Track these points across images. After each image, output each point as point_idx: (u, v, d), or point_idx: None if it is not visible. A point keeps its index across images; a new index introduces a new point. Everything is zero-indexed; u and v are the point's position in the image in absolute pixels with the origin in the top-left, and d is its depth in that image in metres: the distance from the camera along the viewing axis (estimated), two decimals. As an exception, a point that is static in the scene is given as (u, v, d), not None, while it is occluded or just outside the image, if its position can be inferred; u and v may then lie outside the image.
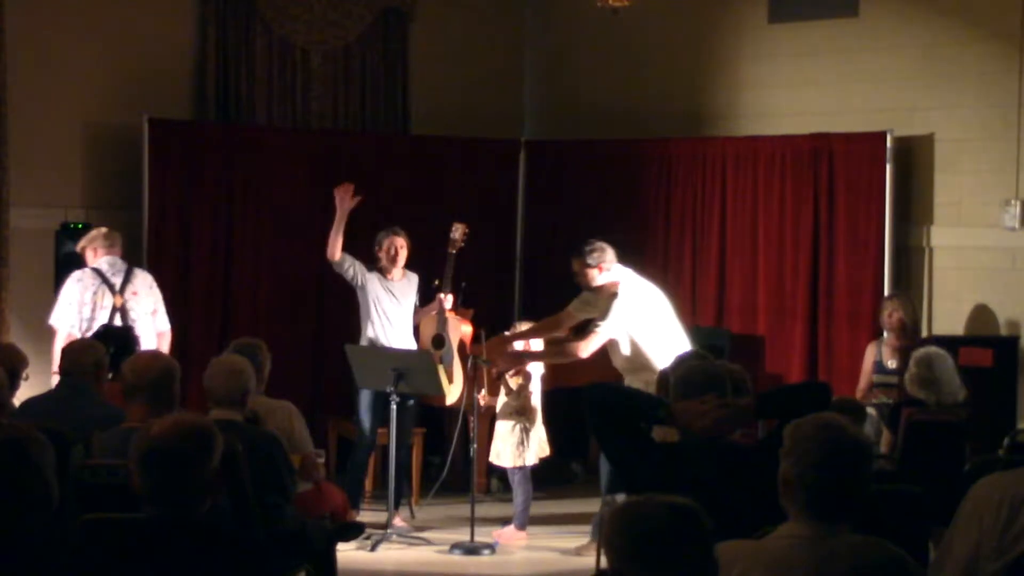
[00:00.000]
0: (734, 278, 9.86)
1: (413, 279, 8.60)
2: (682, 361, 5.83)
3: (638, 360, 7.71)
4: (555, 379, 8.47)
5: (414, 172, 10.27)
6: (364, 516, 8.14)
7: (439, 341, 8.70)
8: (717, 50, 10.34)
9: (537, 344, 8.23)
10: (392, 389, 7.86)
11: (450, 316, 8.71)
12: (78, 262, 8.65)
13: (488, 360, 8.01)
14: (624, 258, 9.95)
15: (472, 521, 7.86)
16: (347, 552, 7.18)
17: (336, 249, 8.38)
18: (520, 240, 10.80)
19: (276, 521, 5.35)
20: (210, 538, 3.53)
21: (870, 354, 8.83)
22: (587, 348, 7.72)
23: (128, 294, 8.26)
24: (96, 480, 4.78)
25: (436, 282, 8.59)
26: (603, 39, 10.49)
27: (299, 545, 5.63)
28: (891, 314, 8.76)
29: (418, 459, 9.09)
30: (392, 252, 8.46)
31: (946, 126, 9.23)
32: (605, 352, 7.82)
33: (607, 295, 7.77)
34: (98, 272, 8.23)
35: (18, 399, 6.09)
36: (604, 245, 7.83)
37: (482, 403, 8.31)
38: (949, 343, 7.88)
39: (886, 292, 9.09)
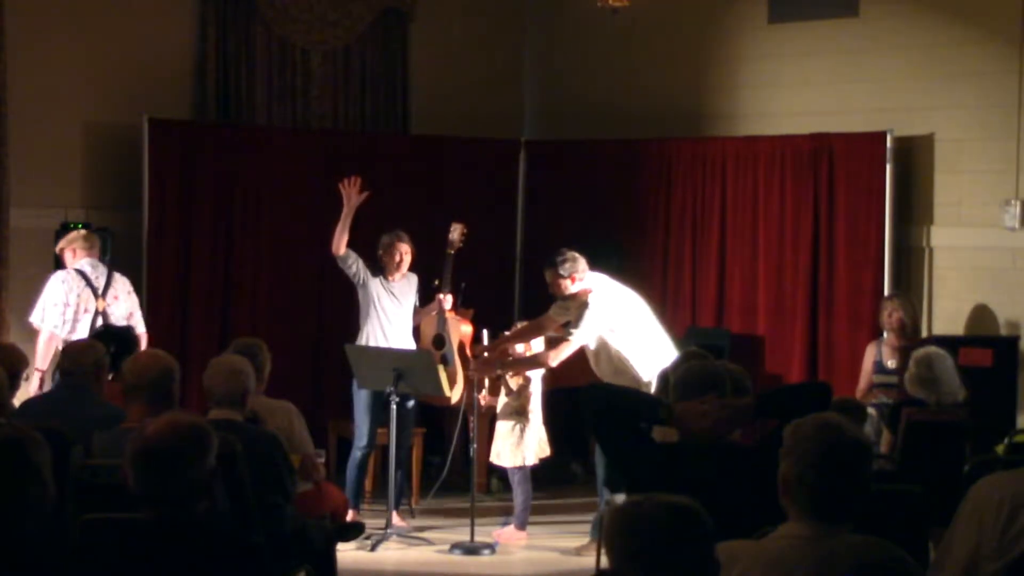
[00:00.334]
0: (734, 278, 9.86)
1: (413, 280, 8.60)
2: (682, 361, 5.84)
3: (618, 366, 7.77)
4: (555, 379, 8.48)
5: (414, 172, 10.27)
6: (364, 516, 8.15)
7: (440, 341, 8.70)
8: (717, 50, 10.34)
9: (538, 345, 8.25)
10: (392, 389, 7.86)
11: (450, 316, 8.71)
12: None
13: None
14: (624, 258, 10.01)
15: (472, 521, 7.86)
16: (347, 552, 7.18)
17: (341, 244, 8.38)
18: (520, 240, 10.81)
19: (276, 521, 5.35)
20: (207, 539, 3.52)
21: (870, 354, 8.83)
22: (557, 357, 7.85)
23: (110, 298, 8.30)
24: (96, 480, 4.78)
25: (436, 282, 8.58)
26: (603, 39, 10.49)
27: (299, 545, 5.63)
28: (891, 314, 8.77)
29: (418, 459, 9.09)
30: (397, 259, 8.46)
31: (946, 126, 9.23)
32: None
33: (579, 303, 7.83)
34: (82, 274, 8.25)
35: (18, 399, 6.09)
36: (576, 255, 7.90)
37: (483, 403, 8.31)
38: (949, 343, 7.88)
39: (886, 292, 9.09)
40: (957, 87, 9.19)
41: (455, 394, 8.60)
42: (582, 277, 7.91)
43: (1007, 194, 8.94)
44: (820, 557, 3.31)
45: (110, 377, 6.18)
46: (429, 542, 8.02)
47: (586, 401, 4.57)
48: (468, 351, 8.72)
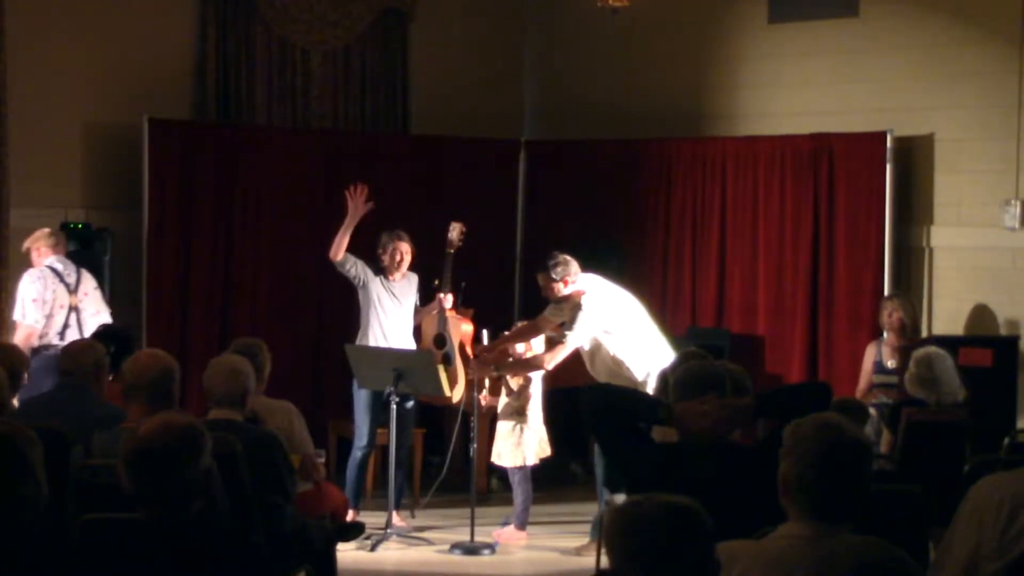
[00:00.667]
0: (734, 278, 9.86)
1: (413, 279, 8.60)
2: (681, 361, 5.85)
3: (613, 367, 7.78)
4: (556, 379, 8.48)
5: (414, 172, 10.27)
6: (364, 516, 8.15)
7: (441, 340, 8.70)
8: (717, 50, 10.34)
9: (539, 344, 8.25)
10: (392, 389, 7.86)
11: (450, 315, 8.71)
12: (78, 261, 8.67)
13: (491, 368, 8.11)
14: (624, 258, 10.01)
15: (472, 521, 7.86)
16: (347, 552, 7.18)
17: (340, 250, 8.38)
18: (520, 240, 10.81)
19: (276, 521, 5.35)
20: (202, 539, 3.51)
21: (870, 354, 8.83)
22: (552, 360, 7.88)
23: (81, 294, 8.33)
24: (96, 480, 4.78)
25: (436, 282, 8.58)
26: (603, 39, 10.48)
27: (299, 545, 5.63)
28: (891, 313, 8.77)
29: (418, 459, 9.09)
30: (397, 258, 8.46)
31: (946, 126, 9.23)
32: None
33: (572, 305, 7.84)
34: (54, 271, 8.28)
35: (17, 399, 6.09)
36: (567, 258, 7.91)
37: (483, 403, 8.31)
38: (949, 343, 7.88)
39: (886, 292, 9.09)
40: (957, 87, 9.19)
41: (456, 394, 8.60)
42: (574, 280, 7.92)
43: (1007, 194, 8.94)
44: (820, 557, 3.31)
45: (110, 377, 6.18)
46: (429, 542, 8.02)
47: (585, 401, 4.57)
48: (469, 350, 8.72)
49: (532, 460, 8.14)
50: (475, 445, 8.15)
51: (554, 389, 8.58)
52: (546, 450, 8.23)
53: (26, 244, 8.47)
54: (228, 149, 9.66)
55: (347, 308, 8.91)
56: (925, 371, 7.16)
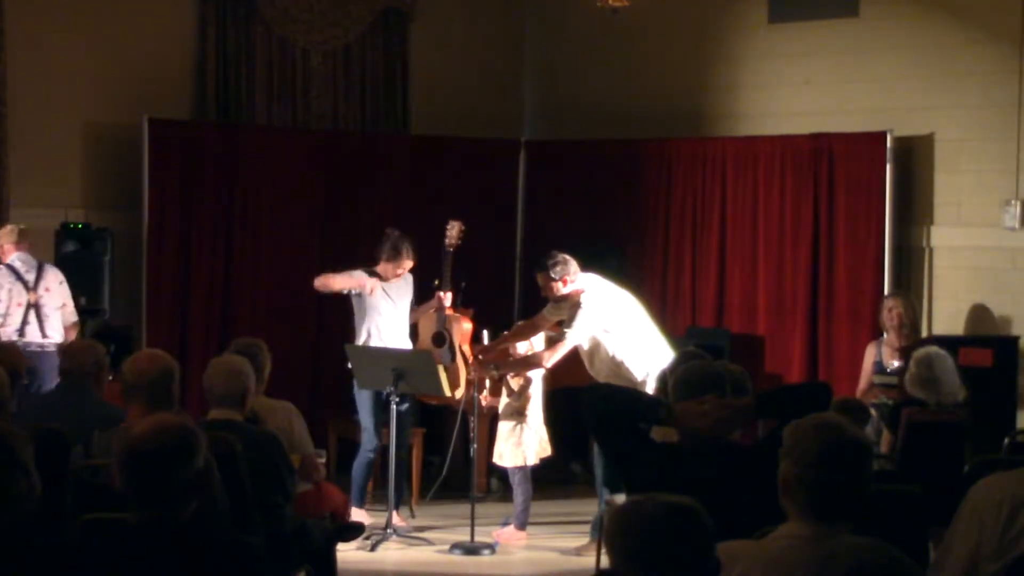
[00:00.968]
0: (734, 278, 9.86)
1: (408, 279, 8.59)
2: (680, 361, 5.84)
3: (612, 367, 7.77)
4: (556, 379, 8.48)
5: (414, 172, 10.27)
6: (363, 516, 8.15)
7: (440, 339, 8.70)
8: (717, 50, 10.34)
9: (540, 345, 8.25)
10: (392, 389, 7.86)
11: (449, 314, 8.71)
12: (78, 261, 8.67)
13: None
14: (624, 258, 10.01)
15: (472, 521, 7.85)
16: (347, 552, 7.17)
17: (331, 289, 8.39)
18: (520, 240, 10.81)
19: (276, 521, 5.35)
20: (196, 540, 3.50)
21: (870, 354, 8.83)
22: (552, 358, 7.87)
23: (41, 290, 8.35)
24: (96, 480, 4.78)
25: (436, 282, 8.58)
26: (603, 39, 10.49)
27: (299, 545, 5.64)
28: (891, 310, 8.78)
29: (418, 459, 9.09)
30: (399, 271, 8.45)
31: (946, 126, 9.23)
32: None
33: (571, 304, 7.84)
34: (12, 269, 8.30)
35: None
36: (566, 257, 7.90)
37: (484, 404, 8.31)
38: (949, 343, 7.88)
39: (886, 292, 9.09)
40: (957, 87, 9.19)
41: (457, 393, 8.60)
42: (573, 279, 7.91)
43: (1007, 194, 8.94)
44: (819, 557, 3.31)
45: (110, 377, 6.18)
46: (429, 542, 8.02)
47: (586, 401, 4.57)
48: (468, 349, 8.72)
49: (532, 460, 8.13)
50: (475, 445, 8.14)
51: (554, 389, 8.58)
52: (547, 450, 8.23)
53: None
54: (228, 149, 9.66)
55: (347, 308, 8.88)
56: (925, 371, 7.15)
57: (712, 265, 9.94)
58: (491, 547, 7.88)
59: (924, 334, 8.91)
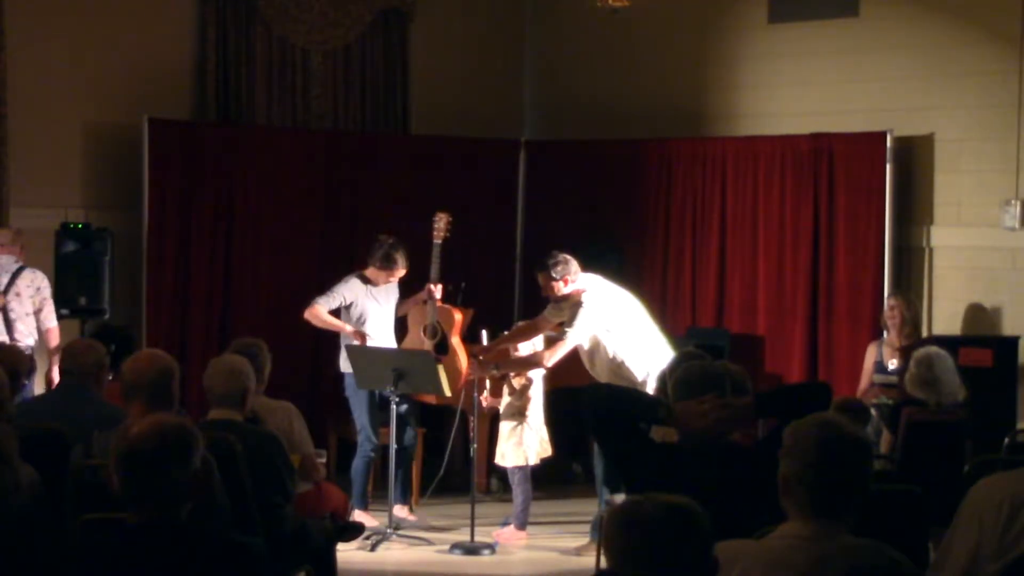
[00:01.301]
0: (734, 278, 9.86)
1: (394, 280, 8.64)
2: (679, 361, 5.84)
3: (613, 367, 7.77)
4: (557, 379, 8.48)
5: (414, 172, 10.27)
6: (363, 516, 8.15)
7: (433, 331, 8.72)
8: (717, 50, 10.34)
9: (542, 345, 8.25)
10: (392, 389, 7.86)
11: (439, 306, 8.73)
12: (78, 261, 8.67)
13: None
14: (624, 258, 10.01)
15: (472, 521, 7.85)
16: (347, 552, 7.17)
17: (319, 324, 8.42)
18: (520, 240, 10.80)
19: (276, 521, 5.35)
20: (192, 541, 3.50)
21: (870, 354, 8.84)
22: (552, 357, 7.87)
23: (11, 295, 8.32)
24: (96, 480, 4.78)
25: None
26: (603, 39, 10.49)
27: (299, 545, 5.64)
28: (892, 309, 8.79)
29: (418, 459, 9.08)
30: (392, 279, 8.48)
31: (946, 126, 9.23)
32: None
33: (572, 304, 7.84)
34: None
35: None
36: (567, 257, 7.91)
37: (484, 404, 8.31)
38: (949, 343, 7.88)
39: (886, 292, 9.09)
40: (957, 87, 9.19)
41: (453, 384, 8.59)
42: (574, 279, 7.91)
43: (1007, 194, 8.94)
44: (819, 558, 3.31)
45: (110, 377, 6.18)
46: (429, 542, 8.02)
47: (586, 401, 4.57)
48: (459, 340, 8.72)
49: (533, 460, 8.13)
50: (475, 445, 8.14)
51: (555, 389, 8.58)
52: (547, 450, 8.23)
53: None
54: (228, 149, 9.66)
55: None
56: (925, 371, 7.16)
57: (712, 265, 9.94)
58: (491, 547, 7.88)
59: (924, 334, 8.91)
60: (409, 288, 8.72)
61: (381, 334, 8.52)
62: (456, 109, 10.72)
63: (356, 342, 8.33)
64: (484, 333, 8.65)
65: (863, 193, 9.29)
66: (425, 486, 8.87)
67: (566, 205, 10.52)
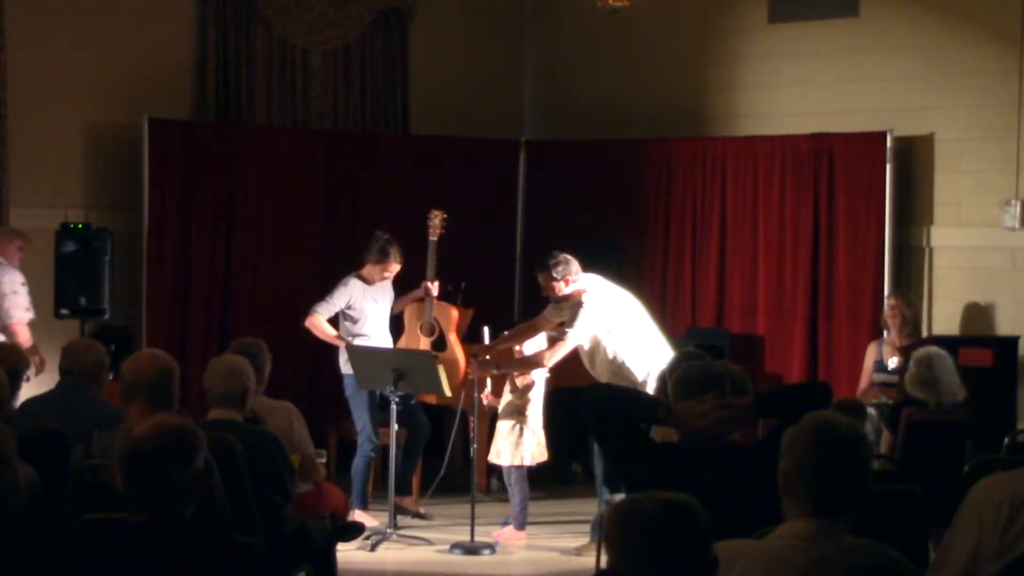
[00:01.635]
0: (734, 278, 9.86)
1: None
2: (679, 361, 5.84)
3: (613, 367, 7.77)
4: (557, 379, 8.48)
5: (414, 172, 10.27)
6: (362, 516, 8.15)
7: (430, 328, 8.72)
8: (717, 50, 10.34)
9: (542, 343, 8.25)
10: (392, 389, 7.86)
11: (435, 303, 8.74)
12: (78, 261, 8.67)
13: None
14: (624, 258, 10.01)
15: (472, 521, 7.86)
16: (347, 552, 7.18)
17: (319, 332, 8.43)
18: (520, 240, 10.80)
19: (276, 521, 5.35)
20: (194, 542, 3.50)
21: (871, 354, 8.84)
22: (553, 357, 7.88)
23: None
24: (96, 480, 4.78)
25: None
26: (603, 39, 10.49)
27: (299, 545, 5.64)
28: (893, 308, 8.79)
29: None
30: (387, 275, 8.50)
31: (946, 126, 9.23)
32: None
33: (573, 304, 7.84)
34: None
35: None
36: (568, 257, 7.91)
37: (484, 404, 8.30)
38: (949, 343, 7.88)
39: (886, 292, 9.09)
40: (957, 87, 9.19)
41: (452, 381, 8.59)
42: (575, 279, 7.91)
43: (1007, 194, 8.94)
44: (819, 557, 3.31)
45: (110, 377, 6.18)
46: (429, 542, 8.02)
47: (586, 401, 4.57)
48: (456, 337, 8.72)
49: (528, 461, 8.13)
50: (475, 445, 8.15)
51: (555, 389, 8.58)
52: (544, 454, 8.20)
53: None
54: (228, 149, 9.66)
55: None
56: (925, 371, 7.16)
57: (712, 265, 9.94)
58: (491, 547, 7.89)
59: (924, 334, 8.91)
60: (407, 286, 8.74)
61: (379, 333, 8.53)
62: (456, 109, 10.72)
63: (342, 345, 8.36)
64: (486, 330, 8.65)
65: (863, 193, 9.29)
66: (425, 486, 8.88)
67: (566, 205, 10.52)
